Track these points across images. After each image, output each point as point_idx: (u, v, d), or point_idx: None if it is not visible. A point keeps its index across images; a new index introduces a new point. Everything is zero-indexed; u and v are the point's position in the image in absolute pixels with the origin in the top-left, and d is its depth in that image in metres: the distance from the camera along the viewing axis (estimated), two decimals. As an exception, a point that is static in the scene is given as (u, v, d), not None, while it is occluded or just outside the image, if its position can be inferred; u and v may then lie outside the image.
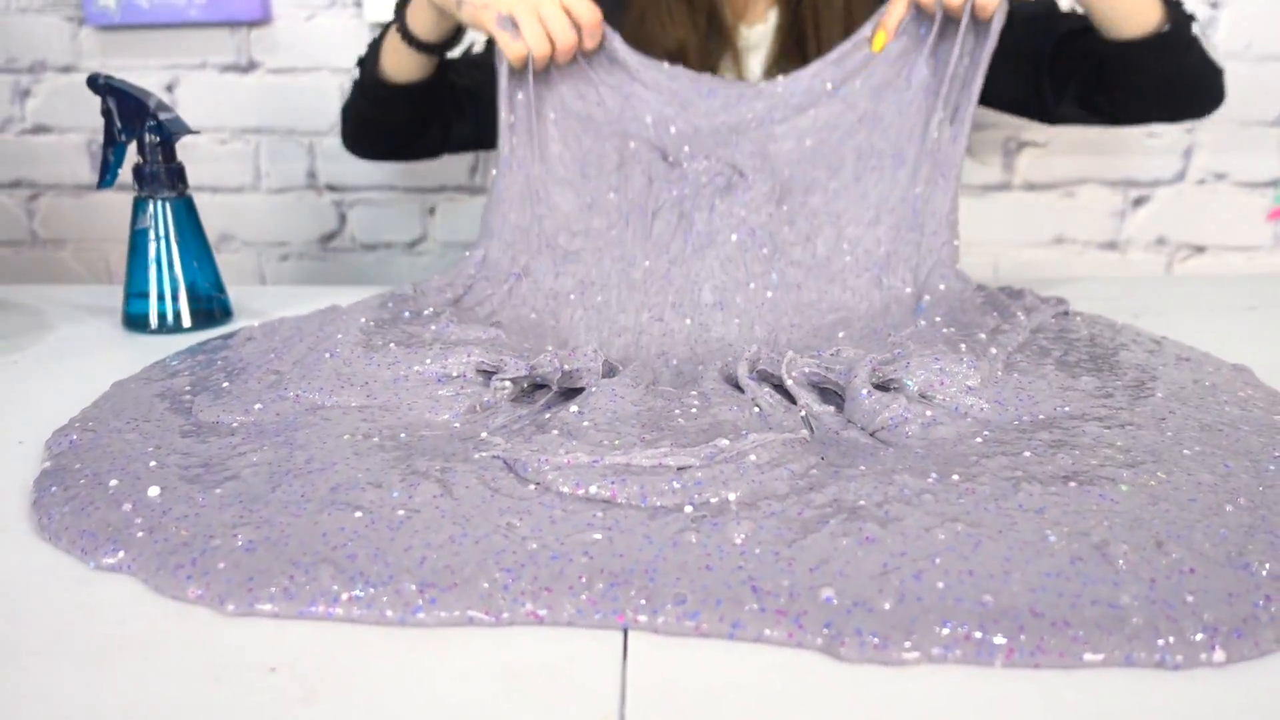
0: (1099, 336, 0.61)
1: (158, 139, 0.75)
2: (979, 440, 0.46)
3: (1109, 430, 0.46)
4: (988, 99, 0.99)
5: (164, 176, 0.76)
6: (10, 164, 1.53)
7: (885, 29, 0.74)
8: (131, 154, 0.77)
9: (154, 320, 0.76)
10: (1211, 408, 0.49)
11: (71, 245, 1.57)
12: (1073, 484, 0.41)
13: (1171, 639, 0.31)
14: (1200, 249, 1.47)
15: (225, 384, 0.54)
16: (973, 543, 0.36)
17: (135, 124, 0.76)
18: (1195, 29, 0.83)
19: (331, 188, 1.52)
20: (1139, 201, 1.46)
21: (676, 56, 0.97)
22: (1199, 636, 0.32)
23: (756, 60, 1.01)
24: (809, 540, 0.36)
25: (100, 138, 1.48)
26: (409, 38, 0.86)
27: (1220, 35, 1.38)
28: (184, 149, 1.49)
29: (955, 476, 0.41)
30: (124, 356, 0.69)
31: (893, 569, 0.35)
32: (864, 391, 0.49)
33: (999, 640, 0.32)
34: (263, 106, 1.49)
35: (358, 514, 0.38)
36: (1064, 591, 0.33)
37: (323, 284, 1.56)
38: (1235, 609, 0.33)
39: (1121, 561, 0.35)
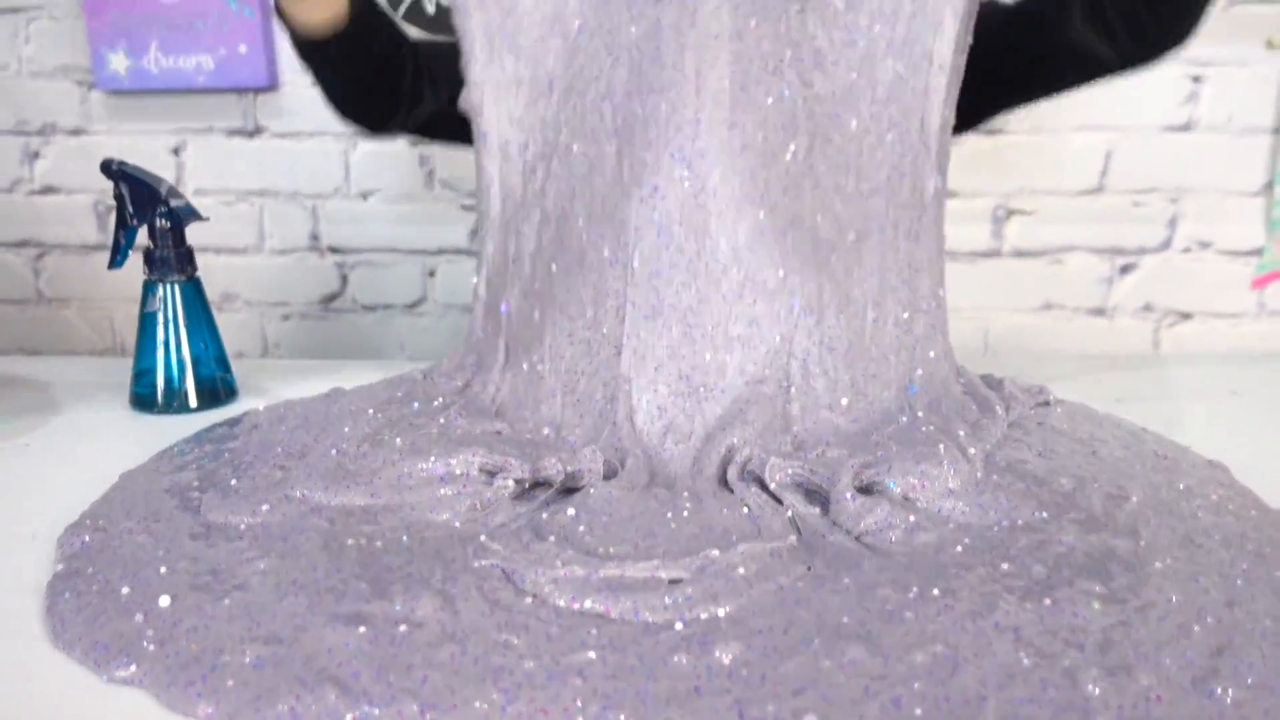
0: (1078, 430, 0.63)
1: (168, 224, 0.78)
2: (959, 549, 0.47)
3: (1085, 538, 0.48)
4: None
5: (174, 260, 0.78)
6: (18, 224, 1.56)
7: None
8: (141, 235, 0.79)
9: (161, 400, 0.78)
10: (1185, 515, 0.51)
11: (76, 304, 1.60)
12: (1047, 601, 0.42)
13: (1138, 768, 0.33)
14: (1187, 315, 1.50)
15: (233, 481, 0.55)
16: (950, 666, 0.38)
17: (147, 209, 0.78)
18: None
19: (334, 249, 1.55)
20: (1126, 269, 1.49)
21: None
22: (1164, 765, 0.33)
23: None
24: (794, 663, 0.38)
25: (107, 198, 1.51)
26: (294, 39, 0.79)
27: (1202, 109, 1.42)
28: (189, 211, 1.53)
29: (936, 591, 0.43)
30: (132, 439, 0.71)
31: (873, 694, 0.36)
32: (848, 495, 0.51)
33: (974, 768, 0.33)
34: (267, 170, 1.52)
35: (362, 629, 0.40)
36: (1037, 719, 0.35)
37: (324, 341, 1.58)
38: (1200, 737, 0.34)
39: (1092, 687, 0.37)
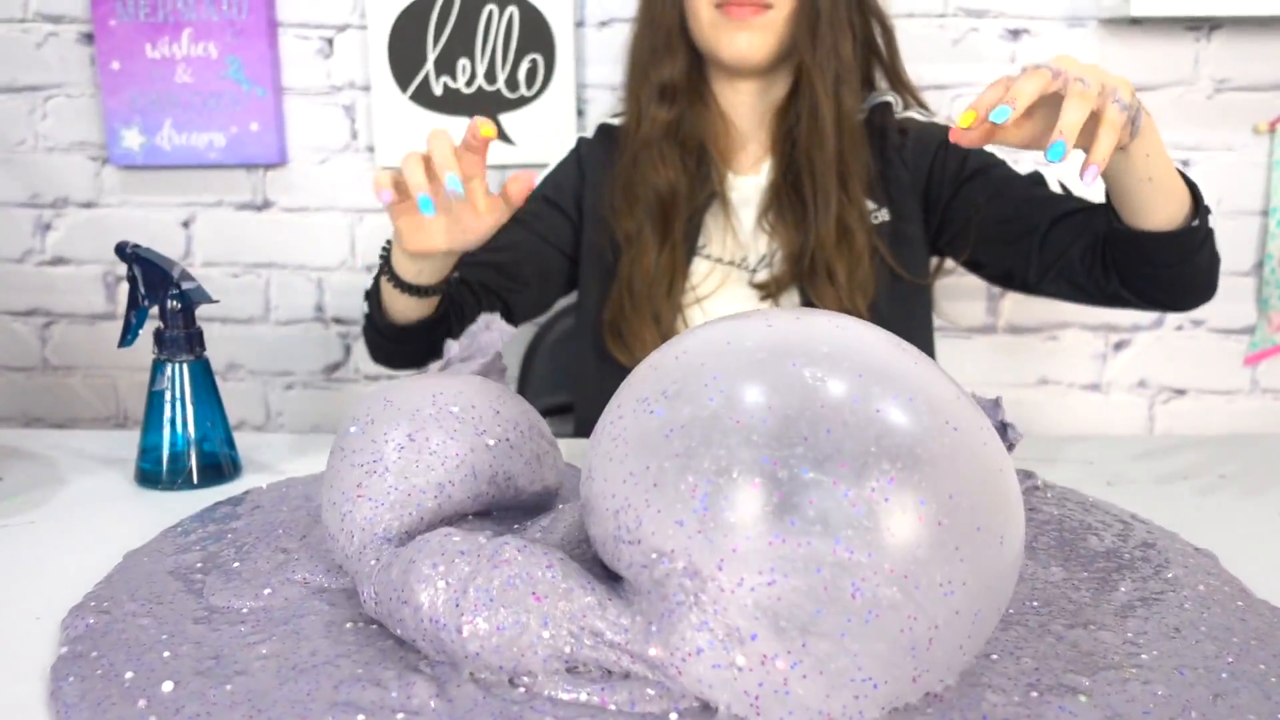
0: (1067, 518, 0.64)
1: (179, 306, 0.79)
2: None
3: (1072, 630, 0.49)
4: (976, 264, 1.04)
5: (183, 341, 0.80)
6: (28, 293, 1.59)
7: (975, 109, 0.67)
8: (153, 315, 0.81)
9: (166, 476, 0.80)
10: (1172, 606, 0.52)
11: (81, 372, 1.61)
12: (1034, 694, 0.43)
13: None
14: (1181, 392, 1.52)
15: (235, 564, 0.56)
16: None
17: (158, 291, 0.80)
18: (1211, 222, 0.84)
19: (337, 320, 1.57)
20: (1120, 345, 1.51)
21: (667, 199, 1.01)
22: None
23: (747, 212, 1.04)
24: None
25: (116, 269, 1.54)
26: (399, 284, 0.88)
27: (1191, 191, 1.45)
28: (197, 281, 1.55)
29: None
30: (136, 516, 0.72)
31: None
32: None
33: None
34: (275, 242, 1.55)
35: (360, 717, 0.41)
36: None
37: (326, 411, 1.59)
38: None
39: (1077, 783, 0.37)
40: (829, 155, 0.98)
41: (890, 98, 1.06)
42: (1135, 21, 1.39)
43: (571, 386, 1.20)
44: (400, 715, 0.41)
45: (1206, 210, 0.82)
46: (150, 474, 0.80)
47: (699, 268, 1.04)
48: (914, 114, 1.06)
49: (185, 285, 0.80)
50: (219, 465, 0.82)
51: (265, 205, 1.54)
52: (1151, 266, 0.86)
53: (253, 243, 1.56)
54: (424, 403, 0.54)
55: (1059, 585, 0.54)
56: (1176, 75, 1.41)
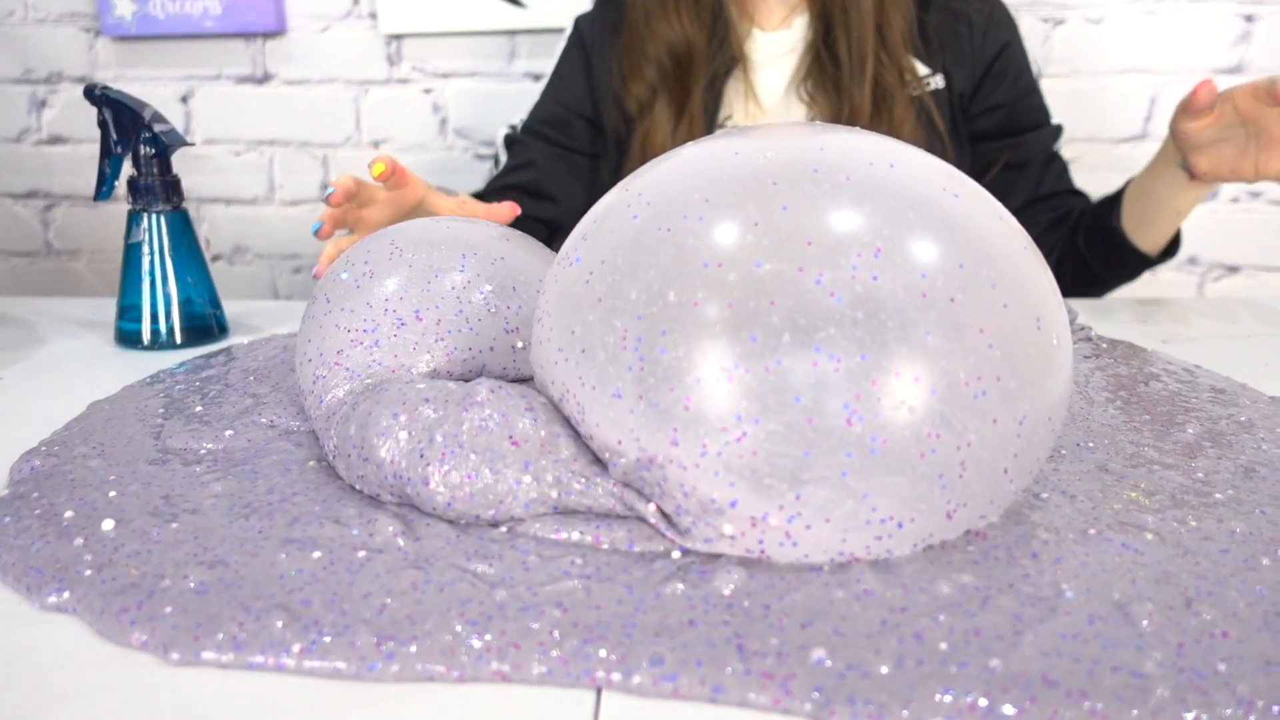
0: (1124, 363, 0.58)
1: (153, 151, 0.73)
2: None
3: (1134, 470, 0.43)
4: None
5: (159, 190, 0.74)
6: (26, 174, 1.53)
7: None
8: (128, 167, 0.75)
9: (146, 337, 0.75)
10: (1248, 446, 0.46)
11: (86, 256, 1.57)
12: (1092, 531, 0.37)
13: (1201, 713, 0.28)
14: (1234, 269, 1.43)
15: (199, 408, 0.51)
16: (980, 598, 0.33)
17: (131, 135, 0.74)
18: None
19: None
20: (1170, 220, 1.42)
21: (683, 58, 0.92)
22: (1231, 711, 0.28)
23: (775, 77, 0.95)
24: (801, 593, 0.33)
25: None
26: None
27: (1255, 50, 1.34)
28: (197, 160, 1.49)
29: (965, 520, 0.38)
30: (112, 375, 0.67)
31: (891, 626, 0.32)
32: None
33: (1008, 710, 0.29)
34: (277, 118, 1.48)
35: (316, 554, 0.36)
36: (1081, 656, 0.30)
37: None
38: (1273, 679, 0.29)
39: (1145, 622, 0.32)
40: (866, 2, 0.89)
41: None
42: None
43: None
44: (361, 553, 0.36)
45: (1171, 255, 0.86)
46: (130, 334, 0.75)
47: None
48: None
49: (158, 128, 0.74)
50: (205, 326, 0.76)
51: (266, 78, 1.47)
52: (1104, 268, 0.89)
53: (254, 119, 1.49)
54: (445, 264, 0.45)
55: (1117, 427, 0.48)
56: (1244, -81, 1.29)
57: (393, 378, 0.42)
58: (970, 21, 0.93)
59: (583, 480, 0.37)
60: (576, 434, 0.38)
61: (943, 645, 0.31)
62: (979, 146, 0.96)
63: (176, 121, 1.49)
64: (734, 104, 0.95)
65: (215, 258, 1.55)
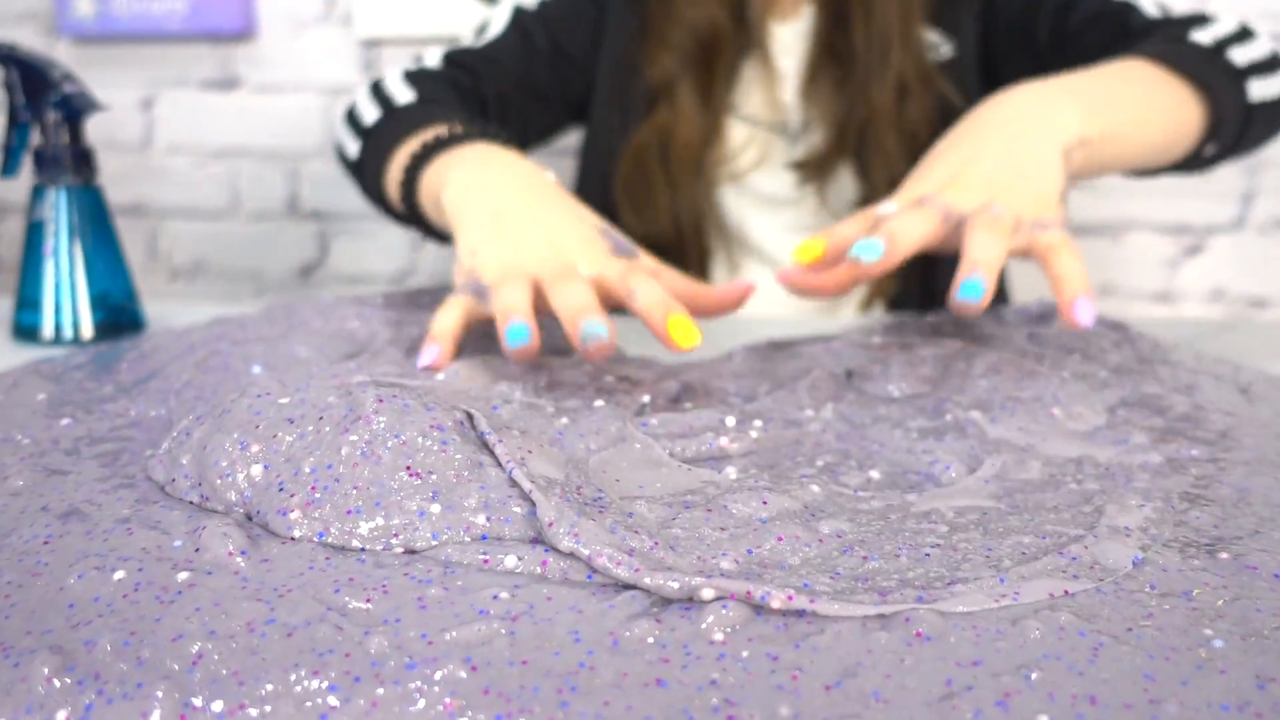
0: (1216, 368, 0.48)
1: (61, 115, 0.64)
2: (1074, 484, 0.32)
3: (1260, 479, 0.32)
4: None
5: (67, 159, 0.64)
6: (-27, 181, 1.44)
7: (828, 240, 0.48)
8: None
9: (48, 331, 0.64)
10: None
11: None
12: (1224, 555, 0.27)
13: None
14: (1261, 303, 1.34)
15: (41, 395, 0.40)
16: (1090, 647, 0.22)
17: (40, 100, 0.64)
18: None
19: (315, 215, 1.41)
20: (1193, 250, 1.33)
21: (708, 41, 0.82)
22: None
23: (790, 64, 0.84)
24: (828, 636, 0.23)
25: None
26: (413, 212, 0.64)
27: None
28: (158, 170, 1.40)
29: (1046, 537, 0.28)
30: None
31: (960, 690, 0.21)
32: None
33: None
34: (244, 126, 1.39)
35: (118, 575, 0.25)
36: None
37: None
38: None
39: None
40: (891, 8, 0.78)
41: None
42: None
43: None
44: (182, 574, 0.25)
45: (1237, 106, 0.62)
46: (27, 328, 0.65)
47: (736, 132, 0.85)
48: None
49: (68, 89, 0.64)
50: (118, 322, 0.66)
51: (233, 84, 1.38)
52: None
53: (219, 127, 1.40)
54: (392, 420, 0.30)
55: (1225, 433, 0.37)
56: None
57: (242, 387, 0.31)
58: None
59: (525, 506, 0.27)
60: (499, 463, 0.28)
61: (1043, 718, 0.20)
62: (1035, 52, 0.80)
63: (136, 129, 1.40)
64: (750, 90, 0.85)
65: (174, 275, 1.45)
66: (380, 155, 0.68)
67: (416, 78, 0.76)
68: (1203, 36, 0.63)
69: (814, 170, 0.82)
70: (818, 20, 0.83)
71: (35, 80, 0.64)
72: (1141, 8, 0.75)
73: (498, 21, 0.85)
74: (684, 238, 0.85)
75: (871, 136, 0.80)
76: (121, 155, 1.40)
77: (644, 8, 0.84)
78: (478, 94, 0.79)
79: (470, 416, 0.30)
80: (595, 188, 0.88)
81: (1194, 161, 0.64)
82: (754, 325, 0.67)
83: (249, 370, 0.41)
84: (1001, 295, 0.94)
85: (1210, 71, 0.60)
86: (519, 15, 0.85)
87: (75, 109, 0.64)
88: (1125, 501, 0.30)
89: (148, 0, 1.33)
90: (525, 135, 0.85)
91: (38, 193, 0.65)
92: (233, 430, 0.29)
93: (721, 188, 0.85)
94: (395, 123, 0.69)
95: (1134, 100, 0.56)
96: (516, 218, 0.49)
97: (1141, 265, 1.34)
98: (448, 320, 0.44)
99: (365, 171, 0.71)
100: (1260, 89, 0.62)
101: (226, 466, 0.28)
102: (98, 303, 0.65)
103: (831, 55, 0.81)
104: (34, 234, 0.65)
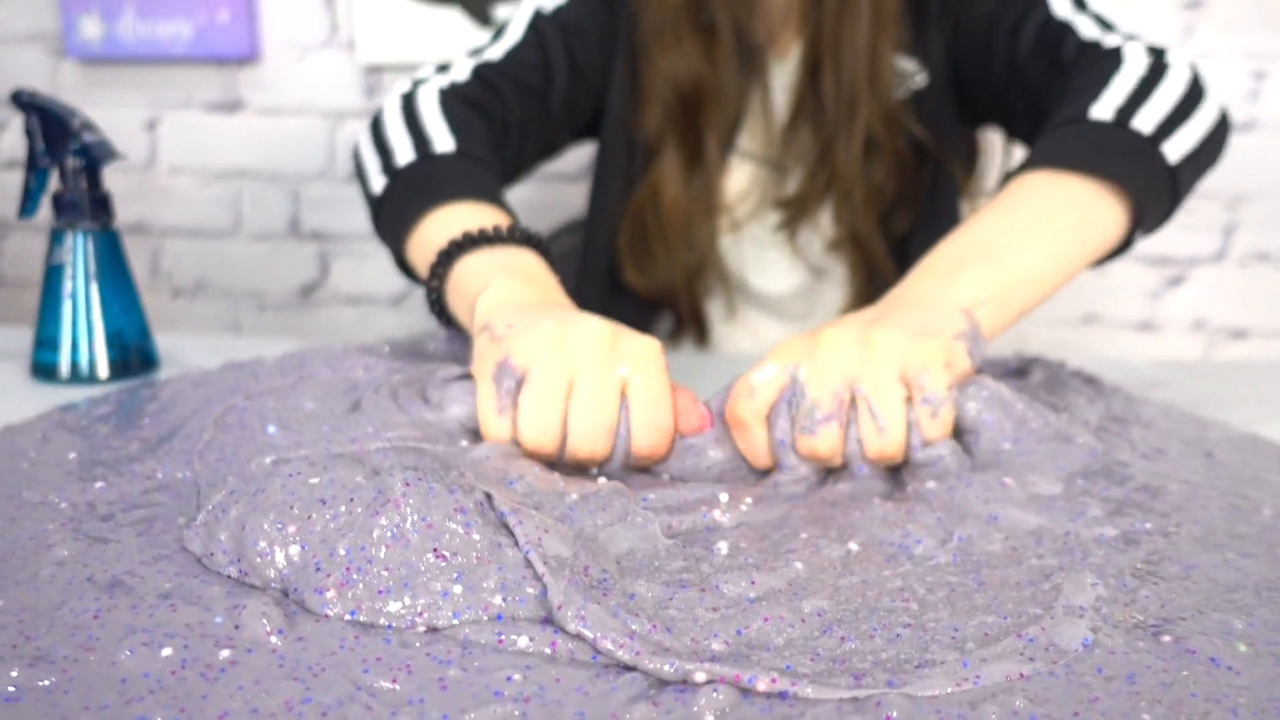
0: (1183, 429, 0.50)
1: (81, 163, 0.66)
2: (1034, 559, 0.35)
3: (1206, 555, 0.35)
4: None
5: (85, 206, 0.66)
6: (-22, 199, 1.46)
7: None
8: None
9: (65, 370, 0.67)
10: None
11: (39, 286, 1.49)
12: (1166, 638, 0.30)
13: None
14: (1241, 334, 1.37)
15: (72, 454, 0.43)
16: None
17: (59, 146, 0.67)
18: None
19: (315, 235, 1.43)
20: (1175, 281, 1.36)
21: (689, 96, 0.81)
22: None
23: (783, 99, 0.84)
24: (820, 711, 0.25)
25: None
26: (436, 295, 0.60)
27: (1266, 107, 1.29)
28: (161, 190, 1.42)
29: (1008, 617, 0.30)
30: (18, 412, 0.58)
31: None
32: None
33: None
34: (247, 149, 1.41)
35: (165, 651, 0.27)
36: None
37: (301, 335, 1.46)
38: None
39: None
40: (859, 43, 0.78)
41: None
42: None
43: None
44: (224, 652, 0.28)
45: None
46: (46, 366, 0.67)
47: (736, 177, 0.86)
48: None
49: (87, 137, 0.66)
50: (130, 359, 0.68)
51: (236, 106, 1.40)
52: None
53: (223, 148, 1.42)
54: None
55: (1181, 507, 0.40)
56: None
57: (273, 465, 0.34)
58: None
59: (538, 587, 0.30)
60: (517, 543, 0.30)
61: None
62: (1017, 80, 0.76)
63: (141, 150, 1.42)
64: (753, 128, 0.85)
65: (176, 293, 1.47)
66: (408, 209, 0.65)
67: (452, 109, 0.73)
68: (1104, 110, 0.59)
69: (795, 209, 0.83)
70: (800, 62, 0.83)
71: (56, 127, 0.67)
72: (1077, 30, 0.72)
73: (517, 25, 0.82)
74: (682, 290, 0.86)
75: (838, 189, 0.81)
76: (125, 174, 1.42)
77: (635, 63, 0.84)
78: (504, 122, 0.77)
79: (489, 497, 0.32)
80: (600, 238, 0.89)
81: (1128, 246, 0.60)
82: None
83: (265, 429, 0.44)
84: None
85: (1115, 161, 0.56)
86: (537, 20, 0.82)
87: (94, 157, 0.67)
88: (1081, 579, 0.33)
89: (153, 24, 1.36)
90: (536, 155, 0.84)
91: (56, 237, 0.67)
92: (269, 511, 0.32)
93: (724, 239, 0.86)
94: (427, 178, 0.67)
95: (1039, 230, 0.53)
96: (552, 318, 0.47)
97: (1125, 296, 1.37)
98: (497, 431, 0.44)
99: (385, 214, 0.69)
100: (1177, 147, 0.58)
101: (265, 547, 0.31)
102: (112, 340, 0.68)
103: (807, 101, 0.82)
104: (52, 277, 0.67)
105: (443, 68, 0.79)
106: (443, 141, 0.69)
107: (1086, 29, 0.71)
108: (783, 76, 0.85)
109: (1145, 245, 1.35)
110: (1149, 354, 1.38)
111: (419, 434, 0.42)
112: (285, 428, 0.44)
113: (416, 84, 0.76)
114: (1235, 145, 1.30)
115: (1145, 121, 0.58)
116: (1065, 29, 0.72)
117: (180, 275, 1.47)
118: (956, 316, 0.46)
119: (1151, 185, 0.57)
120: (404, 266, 0.68)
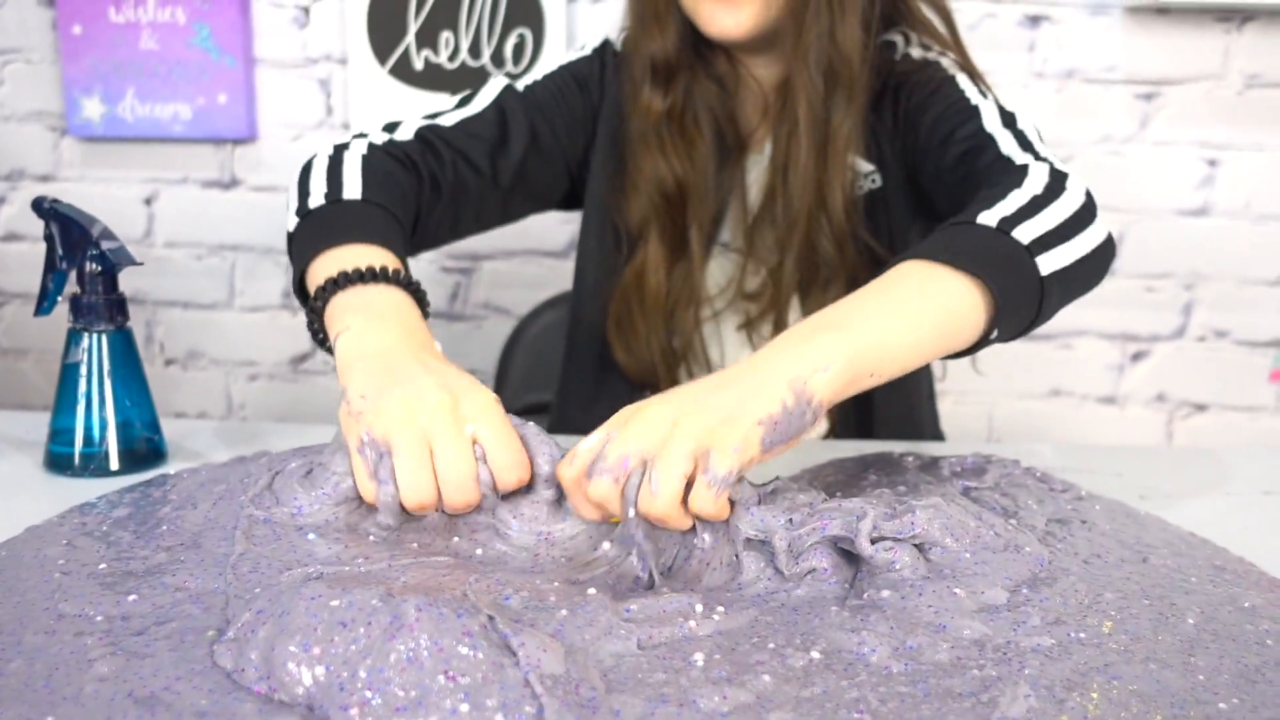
0: (1123, 533, 0.55)
1: (99, 269, 0.70)
2: (976, 669, 0.39)
3: (1129, 666, 0.39)
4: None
5: (102, 309, 0.70)
6: (-22, 271, 1.49)
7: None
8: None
9: (78, 462, 0.70)
10: (1251, 642, 0.42)
11: (34, 356, 1.52)
12: None
13: None
14: (1202, 407, 1.43)
15: (103, 565, 0.46)
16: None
17: (77, 251, 0.71)
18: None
19: (307, 309, 1.47)
20: (1138, 356, 1.42)
21: (673, 194, 0.86)
22: None
23: (755, 192, 0.89)
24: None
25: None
26: (317, 319, 0.67)
27: (1219, 193, 1.36)
28: (157, 263, 1.46)
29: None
30: (36, 503, 0.62)
31: None
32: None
33: None
34: (242, 224, 1.46)
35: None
36: None
37: (292, 404, 1.50)
38: None
39: None
40: (803, 178, 0.82)
41: (895, 35, 0.88)
42: (1162, 10, 1.30)
43: (550, 386, 1.08)
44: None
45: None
46: (60, 458, 0.71)
47: (717, 269, 0.90)
48: (914, 51, 0.87)
49: (106, 245, 0.70)
50: (140, 451, 0.72)
51: (232, 183, 1.45)
52: None
53: (218, 223, 1.47)
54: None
55: (1113, 615, 0.44)
56: (1205, 69, 1.32)
57: (291, 588, 0.38)
58: (895, 111, 0.85)
59: (535, 705, 0.33)
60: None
61: None
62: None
63: (138, 224, 1.46)
64: (736, 222, 0.90)
65: (169, 362, 1.51)
66: (308, 246, 0.70)
67: (373, 162, 0.77)
68: (991, 218, 0.62)
69: (748, 320, 0.88)
70: (773, 150, 0.86)
71: (75, 233, 0.71)
72: (998, 144, 0.76)
73: (483, 97, 0.87)
74: (665, 372, 0.91)
75: (785, 294, 0.86)
76: (123, 248, 1.46)
77: (620, 153, 0.89)
78: (434, 181, 0.81)
79: (492, 619, 0.36)
80: (586, 316, 0.93)
81: (984, 344, 0.61)
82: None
83: (305, 535, 0.48)
84: (937, 434, 0.99)
85: (986, 261, 0.58)
86: (504, 96, 0.87)
87: (111, 264, 0.71)
88: (1016, 690, 0.37)
89: (153, 105, 1.41)
90: (479, 220, 0.88)
91: (74, 337, 0.71)
92: (295, 634, 0.35)
93: (705, 327, 0.91)
94: (329, 221, 0.71)
95: (899, 309, 0.56)
96: (406, 371, 0.55)
97: (1089, 370, 1.42)
98: (373, 495, 0.51)
99: (294, 250, 0.74)
100: (1052, 261, 0.61)
101: (293, 668, 0.35)
102: (122, 431, 0.71)
103: (777, 195, 0.85)
104: (68, 374, 0.71)
105: (389, 126, 0.83)
106: (352, 189, 0.74)
107: (1006, 145, 0.76)
108: (756, 170, 0.89)
109: (1109, 322, 1.41)
110: (1112, 427, 1.43)
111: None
112: (324, 535, 0.48)
113: (355, 137, 0.81)
114: (1192, 229, 1.37)
115: (1026, 233, 0.61)
116: (989, 142, 0.76)
117: (172, 345, 1.50)
118: (774, 398, 0.50)
119: (1017, 291, 0.60)
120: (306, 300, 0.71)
